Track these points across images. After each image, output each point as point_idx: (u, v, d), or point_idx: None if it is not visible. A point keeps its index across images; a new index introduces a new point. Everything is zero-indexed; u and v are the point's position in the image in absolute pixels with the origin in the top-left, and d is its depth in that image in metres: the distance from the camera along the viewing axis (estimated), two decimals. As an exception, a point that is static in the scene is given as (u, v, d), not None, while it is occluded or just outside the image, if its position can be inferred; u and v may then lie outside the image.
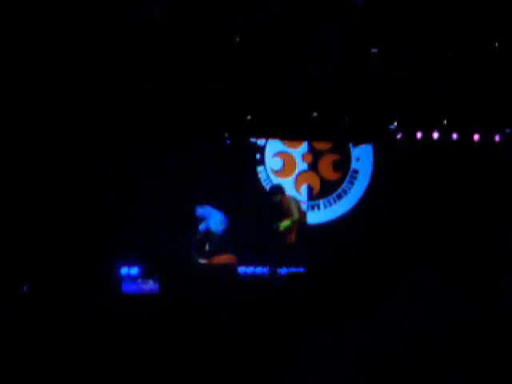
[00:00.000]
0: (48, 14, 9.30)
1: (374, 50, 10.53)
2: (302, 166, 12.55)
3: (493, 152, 12.08)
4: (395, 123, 11.76)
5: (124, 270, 10.92)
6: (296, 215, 11.32)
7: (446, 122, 11.78)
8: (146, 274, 10.91)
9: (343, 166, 12.64)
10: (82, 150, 10.82)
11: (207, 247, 10.83)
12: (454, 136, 11.94)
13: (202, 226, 10.88)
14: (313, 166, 12.56)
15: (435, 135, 11.85)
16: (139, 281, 10.83)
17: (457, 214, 12.13)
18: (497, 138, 12.02)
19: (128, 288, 10.52)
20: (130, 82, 10.32)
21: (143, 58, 10.05)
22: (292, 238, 11.36)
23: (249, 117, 11.15)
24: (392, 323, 8.07)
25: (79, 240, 10.67)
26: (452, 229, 12.02)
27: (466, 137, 11.95)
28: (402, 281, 10.20)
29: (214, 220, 10.98)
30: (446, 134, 11.91)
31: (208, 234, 10.84)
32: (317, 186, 12.59)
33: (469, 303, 8.59)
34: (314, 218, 12.52)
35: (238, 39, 10.06)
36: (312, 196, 12.58)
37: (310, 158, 12.56)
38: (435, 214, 12.18)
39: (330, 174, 12.63)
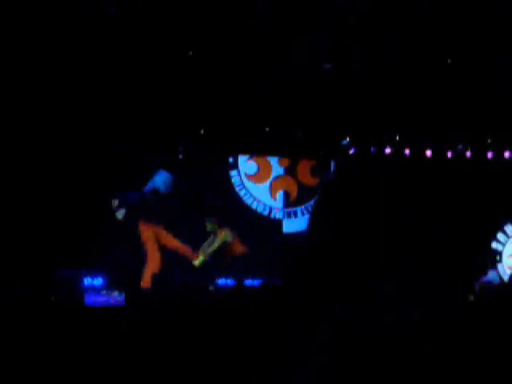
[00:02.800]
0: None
1: (328, 66, 10.67)
2: (278, 170, 12.17)
3: (445, 168, 12.24)
4: (348, 138, 11.93)
5: (87, 281, 10.82)
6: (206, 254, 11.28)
7: (398, 137, 12.00)
8: (110, 285, 10.85)
9: (323, 170, 12.24)
10: (45, 157, 10.80)
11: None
12: (406, 151, 12.13)
13: (147, 187, 10.25)
14: (290, 171, 12.19)
15: (387, 150, 12.04)
16: (103, 292, 10.75)
17: (424, 223, 12.07)
18: (449, 154, 12.26)
19: (91, 300, 10.23)
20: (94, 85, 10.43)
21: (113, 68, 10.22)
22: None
23: (202, 131, 11.34)
24: (367, 333, 7.74)
25: (40, 247, 10.55)
26: (421, 237, 11.94)
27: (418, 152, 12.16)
28: (380, 287, 10.29)
29: (160, 178, 10.40)
30: (398, 149, 12.08)
31: (155, 193, 10.31)
32: (294, 192, 12.19)
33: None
34: (291, 226, 12.15)
35: (190, 53, 10.27)
36: (289, 203, 12.18)
37: (286, 161, 12.19)
38: (409, 222, 12.02)
39: (308, 179, 12.23)
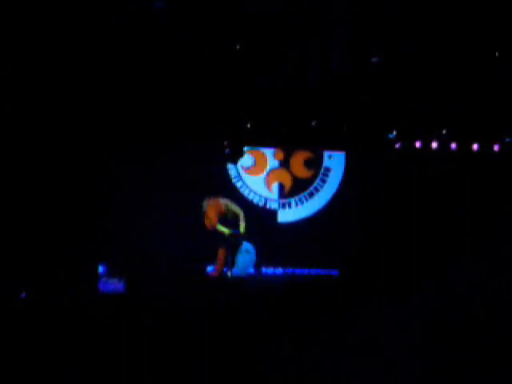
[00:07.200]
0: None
1: (375, 60, 10.36)
2: (273, 163, 12.37)
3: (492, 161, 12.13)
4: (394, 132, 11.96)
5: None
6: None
7: (445, 131, 11.96)
8: (111, 272, 10.85)
9: (315, 163, 12.46)
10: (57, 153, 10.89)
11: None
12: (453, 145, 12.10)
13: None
14: (284, 163, 12.38)
15: (434, 144, 12.07)
16: (103, 279, 10.79)
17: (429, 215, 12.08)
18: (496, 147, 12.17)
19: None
20: (123, 77, 10.36)
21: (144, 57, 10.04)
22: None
23: (248, 125, 11.36)
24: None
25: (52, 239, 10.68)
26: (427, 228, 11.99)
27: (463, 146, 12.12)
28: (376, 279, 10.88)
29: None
30: (445, 144, 12.08)
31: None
32: (288, 184, 12.39)
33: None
34: (285, 216, 12.34)
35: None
36: (283, 194, 12.38)
37: (281, 155, 12.38)
38: (409, 214, 12.13)
39: (301, 172, 12.44)
